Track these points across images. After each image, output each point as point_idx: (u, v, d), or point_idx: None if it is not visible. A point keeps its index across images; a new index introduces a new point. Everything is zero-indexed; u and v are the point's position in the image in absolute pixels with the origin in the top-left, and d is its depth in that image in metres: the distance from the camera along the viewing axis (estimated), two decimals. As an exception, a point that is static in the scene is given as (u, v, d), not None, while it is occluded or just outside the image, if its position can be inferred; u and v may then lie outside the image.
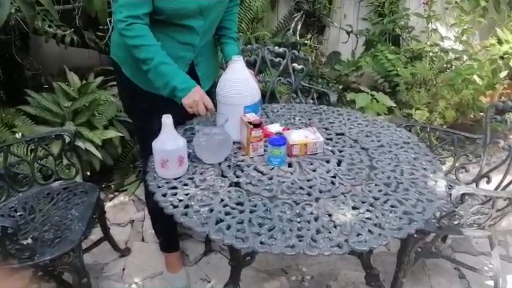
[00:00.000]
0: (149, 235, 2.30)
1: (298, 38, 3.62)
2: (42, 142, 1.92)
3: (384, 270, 2.03)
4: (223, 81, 1.58)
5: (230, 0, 1.72)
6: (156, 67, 1.49)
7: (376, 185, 1.41)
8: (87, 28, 2.81)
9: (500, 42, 3.21)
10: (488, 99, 3.27)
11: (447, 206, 1.79)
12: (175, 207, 1.29)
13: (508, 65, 3.14)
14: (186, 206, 1.29)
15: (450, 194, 1.51)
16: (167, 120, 1.38)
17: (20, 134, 2.36)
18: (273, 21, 3.76)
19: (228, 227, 1.21)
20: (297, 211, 1.27)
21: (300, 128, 1.68)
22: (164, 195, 1.34)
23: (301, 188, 1.38)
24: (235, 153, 1.56)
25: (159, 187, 1.38)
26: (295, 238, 1.17)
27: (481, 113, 3.06)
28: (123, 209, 2.54)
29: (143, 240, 2.32)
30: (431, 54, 3.32)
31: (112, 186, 2.68)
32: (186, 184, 1.39)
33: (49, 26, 2.55)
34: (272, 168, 1.47)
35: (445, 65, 3.28)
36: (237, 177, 1.43)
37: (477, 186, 1.99)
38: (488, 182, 1.93)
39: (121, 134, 2.54)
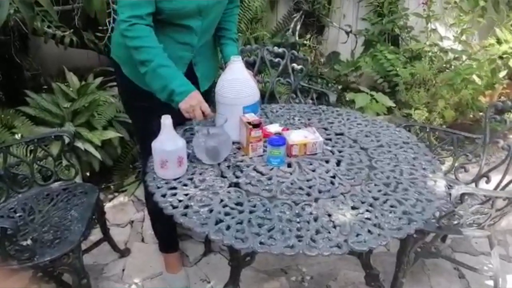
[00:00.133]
0: (149, 235, 2.30)
1: (297, 38, 3.62)
2: (42, 143, 1.92)
3: (384, 270, 2.03)
4: (222, 82, 1.58)
5: (230, 2, 1.72)
6: (154, 69, 1.47)
7: (375, 185, 1.41)
8: (86, 29, 2.81)
9: (499, 42, 3.21)
10: (487, 99, 3.27)
11: (446, 206, 1.79)
12: (174, 207, 1.29)
13: (507, 65, 3.14)
14: (186, 207, 1.29)
15: (450, 194, 1.51)
16: (166, 120, 1.38)
17: (19, 135, 2.35)
18: (272, 21, 3.76)
19: (228, 228, 1.21)
20: (297, 211, 1.27)
21: (299, 128, 1.68)
22: (164, 195, 1.34)
23: (300, 188, 1.38)
24: (235, 153, 1.56)
25: (158, 187, 1.38)
26: (295, 238, 1.17)
27: (481, 113, 3.06)
28: (122, 209, 2.53)
29: (142, 240, 2.32)
30: (430, 54, 3.32)
31: (112, 186, 2.68)
32: (185, 185, 1.39)
33: (48, 27, 2.55)
34: (272, 169, 1.47)
35: (444, 65, 3.28)
36: (237, 177, 1.43)
37: (476, 186, 1.99)
38: (488, 182, 1.93)
39: (120, 135, 2.54)
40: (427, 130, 2.13)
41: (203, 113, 1.51)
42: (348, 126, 1.79)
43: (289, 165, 1.50)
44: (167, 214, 1.28)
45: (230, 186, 1.39)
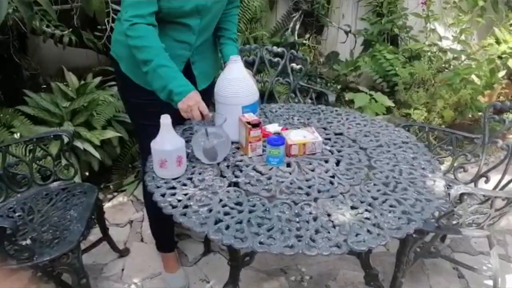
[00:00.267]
0: (148, 235, 2.29)
1: (296, 38, 3.62)
2: (41, 143, 1.92)
3: (383, 270, 2.03)
4: (221, 81, 1.58)
5: (230, 2, 1.72)
6: (154, 69, 1.48)
7: (374, 185, 1.41)
8: (85, 28, 2.80)
9: (498, 42, 3.22)
10: (487, 99, 3.28)
11: (445, 205, 1.80)
12: (174, 207, 1.29)
13: (506, 65, 3.15)
14: (185, 206, 1.29)
15: (449, 194, 1.51)
16: (165, 120, 1.38)
17: (18, 134, 2.35)
18: (271, 21, 3.77)
19: (227, 227, 1.21)
20: (296, 211, 1.27)
21: (298, 128, 1.68)
22: (163, 195, 1.34)
23: (299, 188, 1.38)
24: (234, 153, 1.56)
25: (157, 187, 1.38)
26: (294, 238, 1.17)
27: (480, 113, 3.06)
28: (121, 209, 2.53)
29: (142, 240, 2.31)
30: (429, 54, 3.33)
31: (111, 186, 2.68)
32: (185, 184, 1.39)
33: (47, 26, 2.54)
34: (271, 168, 1.47)
35: (443, 65, 3.28)
36: (236, 177, 1.43)
37: (475, 185, 1.99)
38: (487, 181, 1.93)
39: (119, 134, 2.54)
40: (426, 130, 2.14)
41: (201, 113, 1.51)
42: (347, 126, 1.79)
43: (288, 165, 1.50)
44: (166, 213, 1.28)
45: (229, 185, 1.39)
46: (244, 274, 1.95)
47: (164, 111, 1.40)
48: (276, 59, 2.34)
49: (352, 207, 1.30)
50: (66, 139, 1.93)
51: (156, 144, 1.39)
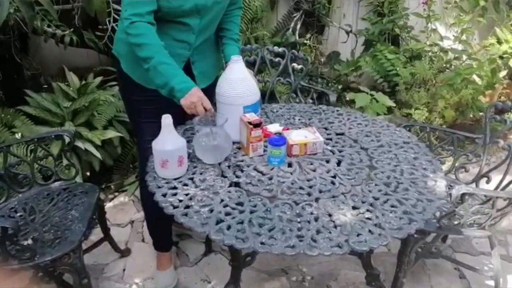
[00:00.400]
0: (149, 235, 2.30)
1: (297, 38, 3.62)
2: (42, 143, 1.92)
3: (385, 270, 2.03)
4: (222, 81, 1.58)
5: (232, 3, 1.72)
6: (155, 66, 1.49)
7: (376, 185, 1.41)
8: (86, 28, 2.81)
9: (499, 41, 3.22)
10: (488, 99, 3.28)
11: (447, 206, 1.79)
12: (175, 207, 1.29)
13: (507, 65, 3.15)
14: (186, 207, 1.29)
15: (450, 194, 1.51)
16: (167, 120, 1.38)
17: (19, 134, 2.35)
18: (272, 21, 3.77)
19: (228, 228, 1.21)
20: (297, 211, 1.27)
21: (299, 128, 1.68)
22: (164, 195, 1.34)
23: (301, 188, 1.38)
24: (235, 153, 1.56)
25: (159, 187, 1.38)
26: (295, 238, 1.17)
27: (481, 113, 3.06)
28: (123, 209, 2.53)
29: (143, 240, 2.31)
30: (430, 54, 3.33)
31: (112, 186, 2.68)
32: (186, 184, 1.39)
33: (48, 26, 2.55)
34: (272, 168, 1.47)
35: (444, 65, 3.28)
36: (237, 177, 1.43)
37: (477, 186, 1.99)
38: (488, 182, 1.93)
39: (120, 134, 2.54)
40: (427, 130, 2.14)
41: (205, 109, 1.52)
42: (349, 126, 1.79)
43: (290, 165, 1.50)
44: (168, 214, 1.28)
45: (230, 186, 1.39)
46: (245, 274, 1.95)
47: (164, 111, 1.40)
48: (277, 59, 2.34)
49: (354, 207, 1.30)
50: (67, 139, 1.93)
51: (157, 144, 1.39)
